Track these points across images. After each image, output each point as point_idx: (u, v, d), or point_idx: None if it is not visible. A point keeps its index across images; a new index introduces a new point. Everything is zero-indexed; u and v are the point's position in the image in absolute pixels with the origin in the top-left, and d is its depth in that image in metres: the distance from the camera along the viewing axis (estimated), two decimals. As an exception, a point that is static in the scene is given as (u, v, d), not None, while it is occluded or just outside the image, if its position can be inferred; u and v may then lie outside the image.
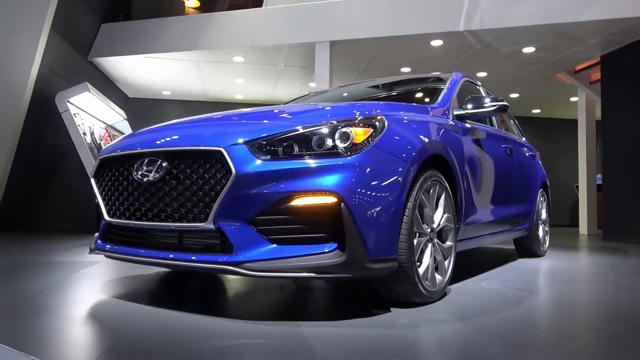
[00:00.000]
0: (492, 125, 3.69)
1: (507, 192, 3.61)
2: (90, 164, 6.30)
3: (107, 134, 7.46)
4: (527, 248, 4.42)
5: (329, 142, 1.94)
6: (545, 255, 4.59)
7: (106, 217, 2.27)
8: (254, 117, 2.35)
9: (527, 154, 4.28)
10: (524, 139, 4.57)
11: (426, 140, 2.32)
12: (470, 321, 1.99)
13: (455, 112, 2.95)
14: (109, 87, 9.37)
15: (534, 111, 12.09)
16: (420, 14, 6.97)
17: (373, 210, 1.93)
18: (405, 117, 2.34)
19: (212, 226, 1.90)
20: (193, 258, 1.98)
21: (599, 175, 9.53)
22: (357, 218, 1.87)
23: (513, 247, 4.69)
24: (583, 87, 9.26)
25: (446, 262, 2.46)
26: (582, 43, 7.15)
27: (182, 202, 1.96)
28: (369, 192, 1.93)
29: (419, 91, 3.57)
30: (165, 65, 8.72)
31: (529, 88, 9.79)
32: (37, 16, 6.12)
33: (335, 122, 2.01)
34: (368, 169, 1.95)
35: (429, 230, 2.31)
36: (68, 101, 6.56)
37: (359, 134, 1.99)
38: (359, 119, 2.07)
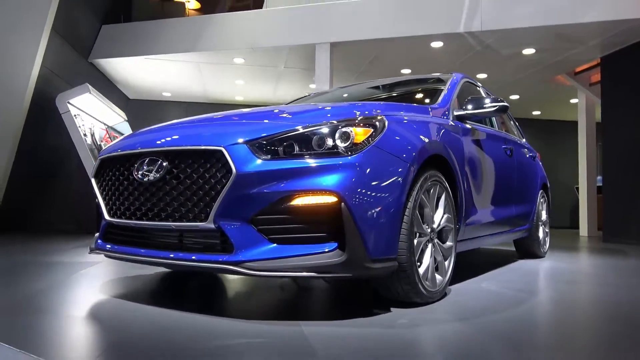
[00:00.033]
0: (492, 126, 3.70)
1: (507, 192, 3.61)
2: (90, 165, 6.31)
3: (107, 135, 7.47)
4: (528, 249, 4.42)
5: (329, 142, 1.94)
6: (545, 256, 4.59)
7: (106, 216, 2.27)
8: (254, 117, 2.35)
9: (528, 155, 4.28)
10: (524, 140, 4.58)
11: (426, 140, 2.32)
12: (470, 321, 1.99)
13: (456, 113, 2.95)
14: (109, 88, 9.39)
15: (534, 113, 12.09)
16: (421, 15, 6.98)
17: (373, 210, 1.93)
18: (405, 117, 2.34)
19: (212, 226, 1.90)
20: (193, 257, 1.98)
21: (599, 177, 9.53)
22: (357, 218, 1.87)
23: (513, 248, 4.69)
24: (583, 88, 9.27)
25: (446, 263, 2.46)
26: (582, 45, 7.16)
27: (182, 202, 1.96)
28: (369, 192, 1.93)
29: (419, 92, 3.58)
30: (166, 66, 8.73)
31: (529, 89, 9.80)
32: (38, 17, 6.13)
33: (335, 121, 2.01)
34: (368, 169, 1.95)
35: (429, 230, 2.31)
36: (69, 102, 6.56)
37: (359, 133, 1.99)
38: (359, 118, 2.08)
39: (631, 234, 7.02)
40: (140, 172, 2.08)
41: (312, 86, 9.32)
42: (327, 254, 1.84)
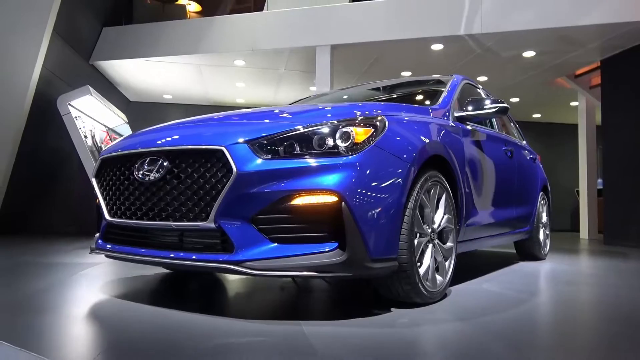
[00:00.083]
0: (492, 127, 3.70)
1: (508, 194, 3.61)
2: (91, 167, 6.31)
3: (108, 137, 7.47)
4: (528, 251, 4.42)
5: (330, 142, 1.94)
6: (546, 258, 4.58)
7: (107, 216, 2.27)
8: (254, 116, 2.36)
9: (528, 157, 4.29)
10: (524, 142, 4.58)
11: (427, 140, 2.32)
12: (470, 321, 1.99)
13: (456, 114, 2.95)
14: (110, 90, 9.40)
15: (535, 116, 12.10)
16: (421, 18, 6.99)
17: (374, 210, 1.93)
18: (406, 118, 2.35)
19: (212, 225, 1.90)
20: (194, 257, 1.98)
21: (599, 180, 9.53)
22: (358, 217, 1.87)
23: (514, 250, 4.69)
24: (583, 91, 9.28)
25: (447, 263, 2.46)
26: (582, 47, 7.16)
27: (183, 201, 1.97)
28: (369, 192, 1.93)
29: (419, 93, 3.58)
30: (167, 68, 8.74)
31: (529, 92, 9.81)
32: (39, 19, 6.15)
33: (336, 121, 2.02)
34: (369, 169, 1.95)
35: (429, 230, 2.31)
36: (69, 104, 6.57)
37: (359, 133, 2.00)
38: (359, 118, 2.08)
39: (632, 237, 7.01)
40: (141, 172, 2.08)
41: (313, 89, 9.33)
42: (328, 253, 1.84)
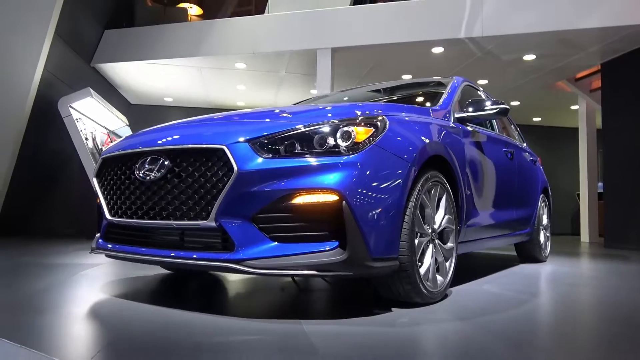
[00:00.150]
0: (493, 129, 3.70)
1: (508, 195, 3.61)
2: (91, 169, 6.31)
3: (109, 140, 7.48)
4: (529, 253, 4.41)
5: (331, 141, 1.95)
6: (546, 260, 4.58)
7: (108, 216, 2.27)
8: (255, 116, 2.36)
9: (529, 159, 4.29)
10: (524, 144, 4.58)
11: (427, 141, 2.32)
12: (471, 321, 1.99)
13: (457, 115, 2.96)
14: (111, 93, 9.41)
15: (535, 119, 12.11)
16: (422, 21, 7.01)
17: (374, 209, 1.93)
18: (406, 118, 2.35)
19: (213, 224, 1.90)
20: (194, 256, 1.98)
21: (600, 184, 9.53)
22: (359, 216, 1.87)
23: (514, 252, 4.68)
24: (583, 95, 9.29)
25: (447, 264, 2.46)
26: (582, 51, 7.18)
27: (184, 200, 1.97)
28: (370, 191, 1.93)
29: (420, 95, 3.59)
30: (168, 71, 8.76)
31: (530, 96, 9.82)
32: (41, 21, 6.17)
33: (336, 121, 2.02)
34: (369, 168, 1.95)
35: (430, 230, 2.31)
36: (70, 106, 6.58)
37: (360, 133, 2.00)
38: (360, 118, 2.08)
39: (632, 240, 7.01)
40: (142, 171, 2.09)
41: (314, 91, 9.35)
42: (328, 252, 1.84)
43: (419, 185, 2.19)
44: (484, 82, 8.84)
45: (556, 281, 3.37)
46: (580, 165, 9.55)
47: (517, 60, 7.67)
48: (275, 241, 1.87)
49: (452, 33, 6.79)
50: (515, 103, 10.38)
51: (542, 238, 4.43)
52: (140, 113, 10.78)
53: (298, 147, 1.93)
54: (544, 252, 4.53)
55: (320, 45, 7.33)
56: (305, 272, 1.86)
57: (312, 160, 1.90)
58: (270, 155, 1.92)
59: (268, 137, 1.95)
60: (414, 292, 2.14)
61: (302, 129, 1.97)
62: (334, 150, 1.93)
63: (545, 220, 4.56)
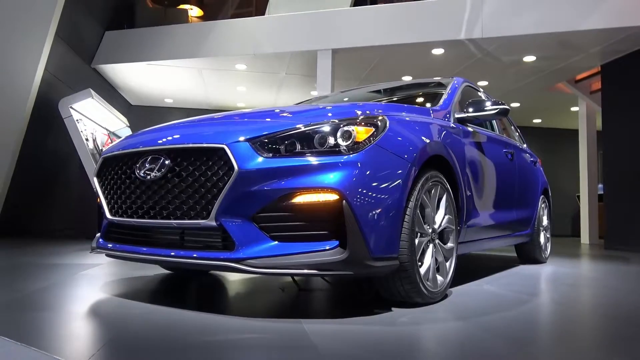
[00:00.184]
0: (493, 130, 3.70)
1: (508, 196, 3.61)
2: (91, 170, 6.31)
3: (109, 140, 7.48)
4: (529, 254, 4.41)
5: (331, 140, 1.95)
6: (546, 262, 4.58)
7: (108, 215, 2.27)
8: (255, 116, 2.36)
9: (529, 160, 4.29)
10: (525, 145, 4.58)
11: (427, 141, 2.33)
12: (471, 320, 1.99)
13: (457, 115, 2.96)
14: (111, 94, 9.42)
15: (535, 121, 12.11)
16: (422, 22, 7.02)
17: (374, 208, 1.93)
18: (407, 118, 2.35)
19: (214, 223, 1.90)
20: (194, 255, 1.98)
21: (600, 185, 9.52)
22: (359, 215, 1.87)
23: (514, 254, 4.68)
24: (584, 96, 9.29)
25: (447, 264, 2.46)
26: (582, 52, 7.18)
27: (184, 200, 1.97)
28: (370, 190, 1.93)
29: (420, 96, 3.59)
30: (168, 72, 8.77)
31: (530, 97, 9.82)
32: (42, 23, 6.17)
33: (337, 120, 2.02)
34: (370, 167, 1.95)
35: (430, 230, 2.31)
36: (71, 107, 6.58)
37: (360, 132, 2.00)
38: (360, 117, 2.09)
39: (632, 242, 7.00)
40: (142, 171, 2.09)
41: (314, 93, 9.36)
42: (329, 251, 1.84)
43: (419, 185, 2.19)
44: (484, 83, 8.84)
45: (556, 282, 3.37)
46: (580, 167, 9.55)
47: (518, 61, 7.68)
48: (275, 240, 1.87)
49: (452, 34, 6.79)
50: (515, 105, 10.38)
51: (542, 239, 4.43)
52: (141, 114, 10.78)
53: (298, 147, 1.94)
54: (544, 253, 4.53)
55: (321, 47, 7.33)
56: (306, 271, 1.86)
57: (313, 160, 1.90)
58: (271, 154, 1.92)
59: (268, 136, 1.95)
60: (414, 291, 2.14)
61: (303, 129, 1.97)
62: (335, 150, 1.94)
63: (545, 221, 4.56)
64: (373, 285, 2.34)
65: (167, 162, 2.03)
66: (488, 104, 2.97)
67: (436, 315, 2.06)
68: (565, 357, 1.59)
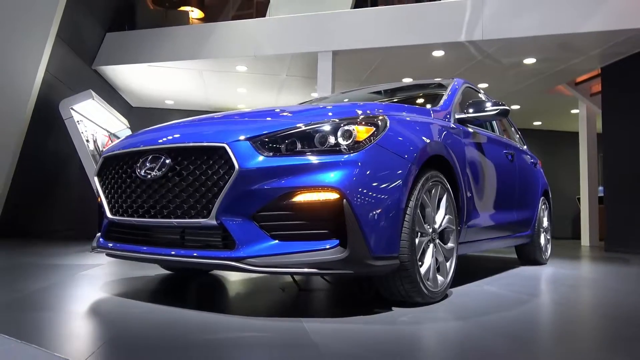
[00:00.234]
0: (493, 131, 3.71)
1: (509, 197, 3.61)
2: (92, 171, 6.31)
3: (109, 142, 7.49)
4: (529, 256, 4.41)
5: (332, 140, 1.95)
6: (547, 263, 4.57)
7: (109, 214, 2.27)
8: (256, 115, 2.37)
9: (529, 161, 4.29)
10: (525, 146, 4.59)
11: (428, 140, 2.33)
12: (471, 319, 1.99)
13: (457, 116, 2.97)
14: (112, 95, 9.43)
15: (535, 123, 12.12)
16: (422, 24, 7.02)
17: (375, 207, 1.94)
18: (407, 118, 2.36)
19: (214, 222, 1.90)
20: (195, 254, 1.98)
21: (600, 188, 9.52)
22: (359, 214, 1.87)
23: (514, 255, 4.68)
24: (584, 99, 9.29)
25: (448, 264, 2.46)
26: (582, 54, 7.19)
27: (184, 199, 1.97)
28: (371, 189, 1.94)
29: (421, 96, 3.59)
30: (169, 74, 8.78)
31: (530, 100, 9.83)
32: (43, 24, 6.18)
33: (337, 120, 2.03)
34: (370, 167, 1.96)
35: (430, 230, 2.31)
36: (72, 108, 6.58)
37: (361, 131, 2.00)
38: (361, 117, 2.09)
39: (633, 244, 6.99)
40: (143, 170, 2.09)
41: (314, 94, 9.36)
42: (329, 250, 1.84)
43: (420, 184, 2.19)
44: (484, 85, 8.85)
45: (556, 283, 3.36)
46: (580, 169, 9.55)
47: (518, 63, 7.69)
48: (276, 239, 1.88)
49: (452, 36, 6.80)
50: (515, 107, 10.38)
51: (542, 240, 4.43)
52: (141, 116, 10.79)
53: (299, 146, 1.94)
54: (545, 254, 4.53)
55: (321, 48, 7.34)
56: (306, 270, 1.86)
57: (313, 159, 1.90)
58: (271, 153, 1.92)
59: (269, 135, 1.95)
60: (415, 291, 2.14)
61: (303, 128, 1.98)
62: (335, 149, 1.94)
63: (545, 223, 4.55)
64: (373, 284, 2.34)
65: (167, 161, 2.03)
66: (488, 104, 2.98)
67: (436, 315, 2.06)
68: (565, 357, 1.59)
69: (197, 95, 10.22)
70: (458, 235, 2.60)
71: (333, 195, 1.86)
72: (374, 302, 2.35)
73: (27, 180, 6.56)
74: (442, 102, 3.01)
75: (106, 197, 2.31)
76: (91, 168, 6.38)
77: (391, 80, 8.41)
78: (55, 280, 2.83)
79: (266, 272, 1.86)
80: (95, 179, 2.41)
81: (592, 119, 9.45)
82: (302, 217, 1.87)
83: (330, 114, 2.18)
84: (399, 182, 2.05)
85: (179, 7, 9.94)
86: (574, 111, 10.46)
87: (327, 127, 1.98)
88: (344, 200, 1.85)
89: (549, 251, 4.71)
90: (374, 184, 1.96)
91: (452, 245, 2.49)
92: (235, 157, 1.88)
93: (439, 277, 2.36)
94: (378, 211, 1.94)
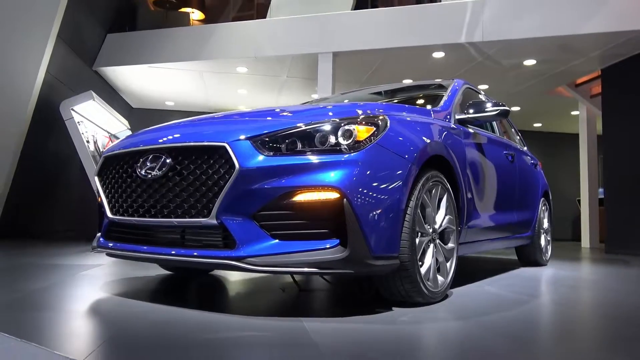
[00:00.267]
0: (494, 132, 3.71)
1: (509, 198, 3.61)
2: (92, 172, 6.32)
3: (110, 143, 7.50)
4: (529, 257, 4.41)
5: (332, 139, 1.96)
6: (547, 264, 4.57)
7: (109, 214, 2.28)
8: (256, 115, 2.37)
9: (529, 162, 4.29)
10: (525, 148, 4.59)
11: (428, 141, 2.33)
12: (471, 319, 1.99)
13: (457, 117, 2.97)
14: (113, 97, 9.44)
15: (535, 125, 12.12)
16: (423, 25, 7.03)
17: (375, 207, 1.94)
18: (407, 118, 2.36)
19: (214, 221, 1.90)
20: (195, 254, 1.98)
21: (600, 189, 9.52)
22: (359, 214, 1.87)
23: (515, 256, 4.67)
24: (584, 100, 9.30)
25: (448, 264, 2.46)
26: (582, 56, 7.19)
27: (185, 198, 1.97)
28: (371, 189, 1.94)
29: (421, 97, 3.60)
30: (169, 75, 8.79)
31: (530, 101, 9.83)
32: (44, 25, 6.19)
33: (338, 119, 2.03)
34: (370, 166, 1.96)
35: (430, 230, 2.31)
36: (72, 109, 6.60)
37: (361, 131, 2.01)
38: (361, 117, 2.09)
39: (633, 245, 6.99)
40: (143, 169, 2.09)
41: (315, 96, 9.37)
42: (329, 250, 1.84)
43: (420, 184, 2.19)
44: (484, 87, 8.86)
45: (557, 283, 3.36)
46: (580, 171, 9.55)
47: (518, 65, 7.69)
48: (276, 239, 1.88)
49: (453, 38, 6.81)
50: (515, 108, 10.38)
51: (542, 241, 4.43)
52: (142, 117, 10.79)
53: (299, 145, 1.94)
54: (545, 255, 4.52)
55: (322, 50, 7.35)
56: (306, 269, 1.86)
57: (313, 158, 1.90)
58: (272, 153, 1.92)
59: (269, 135, 1.96)
60: (415, 291, 2.14)
61: (304, 127, 1.98)
62: (335, 149, 1.94)
63: (546, 224, 4.55)
64: (373, 284, 2.34)
65: (168, 160, 2.03)
66: (488, 105, 2.98)
67: (436, 315, 2.06)
68: (565, 357, 1.59)
69: (198, 97, 10.23)
70: (458, 235, 2.60)
71: (333, 195, 1.86)
72: (374, 302, 2.34)
73: (27, 181, 6.56)
74: (442, 102, 3.01)
75: (106, 197, 2.31)
76: (91, 169, 6.39)
77: (391, 81, 8.41)
78: (55, 280, 2.83)
79: (266, 271, 1.86)
80: (96, 178, 2.41)
81: (592, 121, 9.46)
82: (303, 216, 1.87)
83: (330, 113, 2.19)
84: (399, 182, 2.05)
85: (180, 8, 9.95)
86: (574, 113, 10.47)
87: (327, 127, 1.98)
88: (344, 199, 1.85)
89: (549, 252, 4.70)
90: (375, 184, 1.96)
91: (453, 245, 2.49)
92: (235, 156, 1.89)
93: (439, 278, 2.36)
94: (378, 211, 1.94)
